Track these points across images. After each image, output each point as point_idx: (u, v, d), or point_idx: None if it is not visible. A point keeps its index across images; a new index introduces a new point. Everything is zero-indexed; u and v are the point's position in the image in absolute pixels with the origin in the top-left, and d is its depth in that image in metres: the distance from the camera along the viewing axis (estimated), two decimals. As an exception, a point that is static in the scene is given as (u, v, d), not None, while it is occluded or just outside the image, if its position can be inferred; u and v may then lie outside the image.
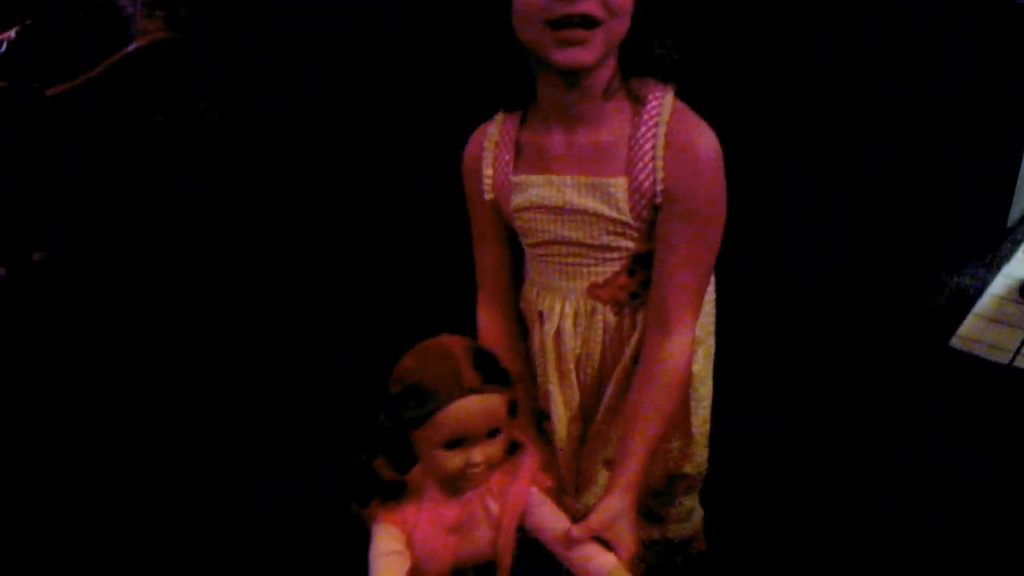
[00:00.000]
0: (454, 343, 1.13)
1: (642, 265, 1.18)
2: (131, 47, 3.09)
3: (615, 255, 1.17)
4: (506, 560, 1.15)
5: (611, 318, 1.20)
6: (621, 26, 1.07)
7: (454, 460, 1.10)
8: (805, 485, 2.07)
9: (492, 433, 1.11)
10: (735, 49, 2.92)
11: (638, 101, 1.13)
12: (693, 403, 1.29)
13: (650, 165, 1.11)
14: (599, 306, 1.20)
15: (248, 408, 2.43)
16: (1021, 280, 2.73)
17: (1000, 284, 2.72)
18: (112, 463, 2.25)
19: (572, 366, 1.25)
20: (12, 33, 3.03)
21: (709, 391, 1.33)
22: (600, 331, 1.21)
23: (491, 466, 1.13)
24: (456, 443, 1.09)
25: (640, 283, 1.19)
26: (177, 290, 2.95)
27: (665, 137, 1.11)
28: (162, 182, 3.18)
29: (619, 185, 1.12)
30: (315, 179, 3.43)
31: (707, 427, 1.35)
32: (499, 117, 1.23)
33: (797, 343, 2.53)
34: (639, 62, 1.13)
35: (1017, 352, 2.45)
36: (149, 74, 3.12)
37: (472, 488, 1.14)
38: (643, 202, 1.13)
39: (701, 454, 1.35)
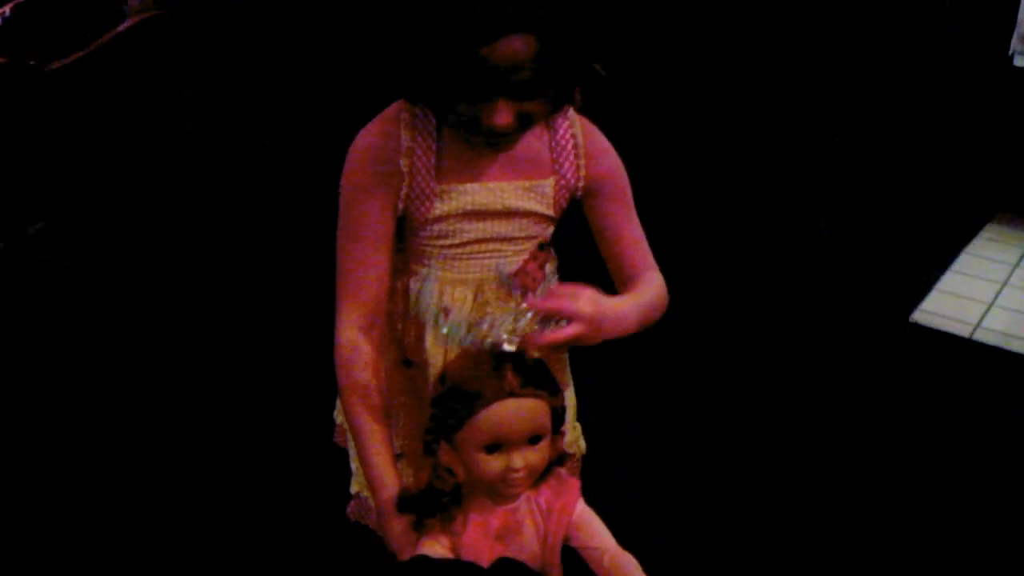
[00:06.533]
0: None
1: (542, 250, 1.30)
2: (123, 25, 3.20)
3: (527, 244, 1.28)
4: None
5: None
6: (537, 121, 1.17)
7: (494, 464, 1.10)
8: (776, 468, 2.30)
9: (533, 439, 1.11)
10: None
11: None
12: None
13: (575, 164, 1.25)
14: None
15: (248, 408, 2.44)
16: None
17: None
18: (112, 462, 2.26)
19: None
20: (7, 10, 3.10)
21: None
22: None
23: (532, 473, 1.13)
24: (496, 447, 1.10)
25: (539, 266, 1.30)
26: (178, 287, 2.99)
27: (584, 140, 1.26)
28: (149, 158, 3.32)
29: (550, 184, 1.25)
30: (314, 167, 3.47)
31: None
32: (407, 121, 1.20)
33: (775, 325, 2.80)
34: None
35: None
36: (139, 51, 3.24)
37: (515, 495, 1.16)
38: (564, 195, 1.26)
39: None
